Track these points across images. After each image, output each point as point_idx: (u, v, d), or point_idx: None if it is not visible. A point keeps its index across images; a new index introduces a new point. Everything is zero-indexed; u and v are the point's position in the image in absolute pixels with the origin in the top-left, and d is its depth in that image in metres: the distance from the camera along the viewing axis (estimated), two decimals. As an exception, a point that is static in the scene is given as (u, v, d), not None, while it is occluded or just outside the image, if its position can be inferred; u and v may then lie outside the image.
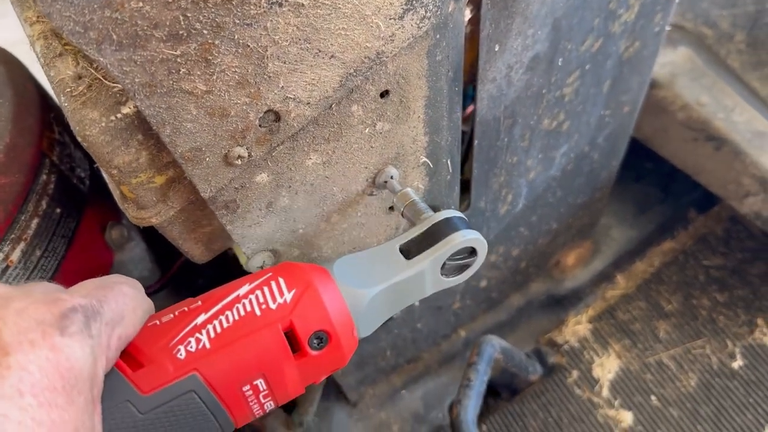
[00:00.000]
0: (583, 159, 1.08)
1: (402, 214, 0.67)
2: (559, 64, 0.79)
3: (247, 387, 0.50)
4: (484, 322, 1.38)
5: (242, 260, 0.69)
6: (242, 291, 0.53)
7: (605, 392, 1.31)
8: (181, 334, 0.49)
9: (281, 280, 0.53)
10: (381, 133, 0.65)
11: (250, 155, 0.56)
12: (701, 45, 1.24)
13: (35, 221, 0.79)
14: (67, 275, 0.85)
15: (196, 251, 0.68)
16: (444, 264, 0.61)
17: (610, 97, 0.97)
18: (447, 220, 0.62)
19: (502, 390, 1.42)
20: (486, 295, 1.30)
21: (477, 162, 0.81)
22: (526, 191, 0.98)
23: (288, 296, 0.52)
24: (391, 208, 0.75)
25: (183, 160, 0.53)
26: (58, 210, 0.83)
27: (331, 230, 0.72)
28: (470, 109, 0.78)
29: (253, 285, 0.53)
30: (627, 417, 1.27)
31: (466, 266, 0.64)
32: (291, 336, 0.51)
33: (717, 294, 1.38)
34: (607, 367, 1.33)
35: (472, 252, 0.63)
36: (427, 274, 0.60)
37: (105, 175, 0.61)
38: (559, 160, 1.00)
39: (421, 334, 1.24)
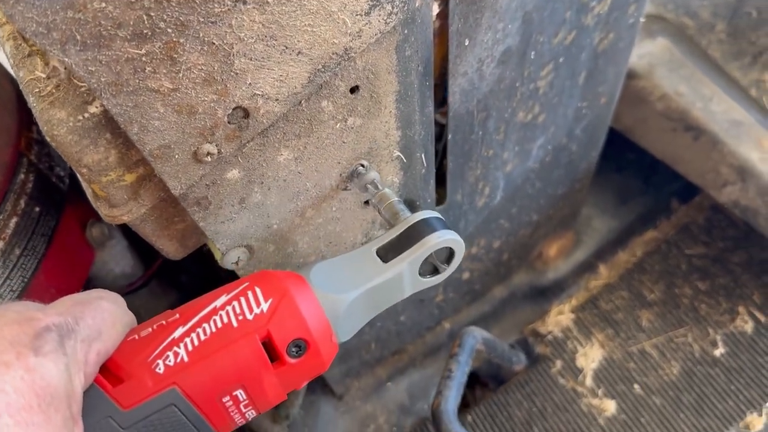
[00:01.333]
0: (562, 151, 1.09)
1: (380, 214, 0.67)
2: (532, 57, 0.79)
3: (227, 398, 0.51)
4: (468, 314, 1.39)
5: (217, 256, 0.69)
6: (219, 302, 0.53)
7: (589, 381, 1.32)
8: (159, 348, 0.49)
9: (258, 290, 0.54)
10: (353, 128, 0.65)
11: (219, 152, 0.56)
12: (681, 35, 1.25)
13: (14, 220, 0.79)
14: (47, 274, 0.85)
15: (170, 248, 0.68)
16: (422, 265, 0.60)
17: (586, 89, 0.98)
18: (423, 221, 0.61)
19: (489, 381, 1.44)
20: (469, 287, 1.31)
21: (452, 155, 0.81)
22: (503, 183, 0.99)
23: (264, 306, 0.52)
24: (367, 203, 0.76)
25: (152, 158, 0.53)
26: (37, 209, 0.83)
27: (306, 225, 0.72)
28: (446, 107, 0.79)
29: (230, 295, 0.53)
30: (610, 406, 1.28)
31: (443, 266, 0.64)
32: (269, 345, 0.52)
33: (699, 282, 1.40)
34: (590, 357, 1.35)
35: (450, 251, 0.63)
36: (405, 276, 0.60)
37: (77, 174, 0.61)
38: (537, 152, 1.01)
39: (405, 327, 1.25)
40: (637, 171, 1.52)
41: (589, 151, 1.17)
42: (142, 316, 0.99)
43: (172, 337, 0.50)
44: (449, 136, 0.78)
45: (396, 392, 1.36)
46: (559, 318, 1.40)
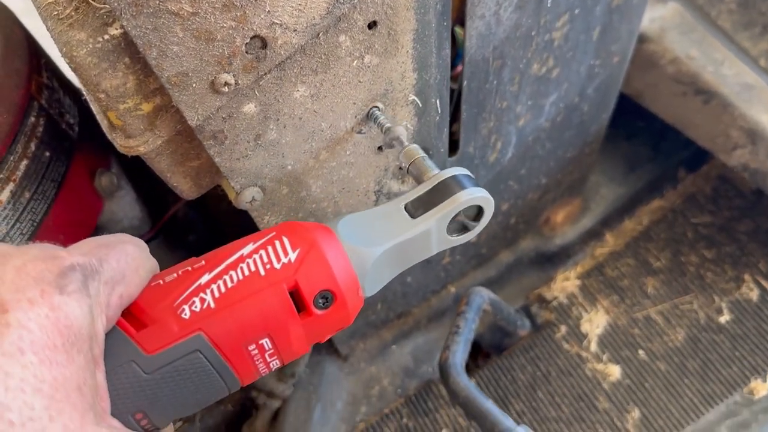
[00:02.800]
0: (573, 110, 1.09)
1: (407, 171, 0.66)
2: (548, 5, 0.78)
3: (253, 346, 0.50)
4: (474, 278, 1.39)
5: (231, 195, 0.69)
6: (246, 250, 0.52)
7: (593, 347, 1.32)
8: (185, 294, 0.49)
9: (285, 240, 0.53)
10: (369, 66, 0.65)
11: (236, 83, 0.56)
12: (691, 4, 1.24)
13: (24, 163, 0.79)
14: (57, 219, 0.85)
15: (184, 186, 0.68)
16: (450, 222, 0.59)
17: (599, 46, 0.97)
18: (453, 177, 0.60)
19: (492, 350, 1.44)
20: (476, 250, 1.31)
21: (466, 104, 0.81)
22: (515, 140, 0.98)
23: (292, 256, 0.52)
24: (380, 148, 0.76)
25: (170, 85, 0.53)
26: (47, 153, 0.83)
27: (320, 168, 0.72)
28: (459, 69, 0.78)
29: (257, 244, 0.53)
30: (615, 371, 1.29)
31: (473, 224, 0.63)
32: (296, 295, 0.51)
33: (705, 251, 1.40)
34: (595, 323, 1.35)
35: (479, 210, 0.61)
36: (432, 233, 0.59)
37: (92, 104, 0.61)
38: (549, 110, 1.00)
39: (411, 289, 1.25)
40: (646, 139, 1.52)
41: (600, 113, 1.17)
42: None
43: (198, 283, 0.50)
44: (464, 83, 0.77)
45: (400, 355, 1.36)
46: (565, 284, 1.40)
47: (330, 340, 1.27)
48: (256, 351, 0.51)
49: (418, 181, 0.64)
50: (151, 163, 0.64)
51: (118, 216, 0.98)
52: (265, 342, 0.51)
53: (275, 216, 0.74)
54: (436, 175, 0.62)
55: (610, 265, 1.42)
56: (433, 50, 0.68)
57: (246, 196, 0.68)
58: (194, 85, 0.54)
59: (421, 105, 0.73)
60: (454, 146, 0.88)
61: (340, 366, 1.32)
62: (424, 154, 0.66)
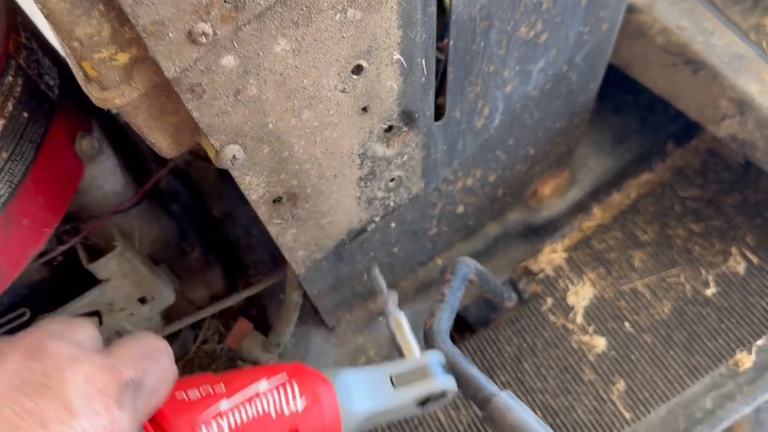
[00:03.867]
0: (561, 79, 1.08)
1: (394, 338, 0.87)
2: (536, -36, 0.77)
3: None
4: (461, 250, 1.38)
5: (210, 153, 0.68)
6: (261, 388, 0.64)
7: (579, 319, 1.32)
8: (205, 414, 0.58)
9: (295, 386, 0.66)
10: (352, 21, 0.63)
11: (215, 33, 0.55)
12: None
13: (1, 122, 0.77)
14: (35, 182, 0.84)
15: (163, 143, 0.67)
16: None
17: (588, 12, 0.96)
18: (431, 364, 0.81)
19: (478, 326, 1.44)
20: (463, 222, 1.30)
21: (452, 66, 0.80)
22: (502, 106, 0.97)
23: (299, 404, 0.65)
24: (365, 109, 0.74)
25: (145, 34, 0.52)
26: (25, 114, 0.81)
27: (303, 128, 0.71)
28: (446, 42, 0.77)
29: (270, 384, 0.65)
30: (600, 342, 1.29)
31: (437, 401, 0.82)
32: None
33: (692, 224, 1.39)
34: (581, 295, 1.35)
35: (443, 393, 0.81)
36: (406, 405, 0.77)
37: (68, 57, 0.59)
38: (536, 76, 0.99)
39: (398, 259, 1.25)
40: (634, 112, 1.51)
41: (588, 82, 1.16)
42: (135, 237, 0.98)
43: (218, 408, 0.60)
44: (450, 44, 0.76)
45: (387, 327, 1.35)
46: (552, 257, 1.40)
47: (316, 311, 1.26)
48: None
49: (401, 351, 0.85)
50: (128, 117, 0.63)
51: (100, 181, 0.97)
52: None
53: (256, 176, 0.73)
54: (419, 357, 0.83)
55: (597, 238, 1.41)
56: (418, 6, 0.67)
57: (226, 155, 0.67)
58: (171, 34, 0.53)
59: (406, 65, 0.72)
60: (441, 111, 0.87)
61: (326, 337, 1.31)
62: (409, 328, 0.88)
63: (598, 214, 1.44)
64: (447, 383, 0.80)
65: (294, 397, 0.64)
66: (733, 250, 1.34)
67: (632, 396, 1.24)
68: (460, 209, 1.24)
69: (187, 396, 0.59)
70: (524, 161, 1.24)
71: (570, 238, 1.43)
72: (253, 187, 0.73)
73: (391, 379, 0.76)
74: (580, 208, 1.45)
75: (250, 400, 0.61)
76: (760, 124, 1.10)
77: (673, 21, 1.19)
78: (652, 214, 1.42)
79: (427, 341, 0.93)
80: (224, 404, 0.60)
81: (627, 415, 1.22)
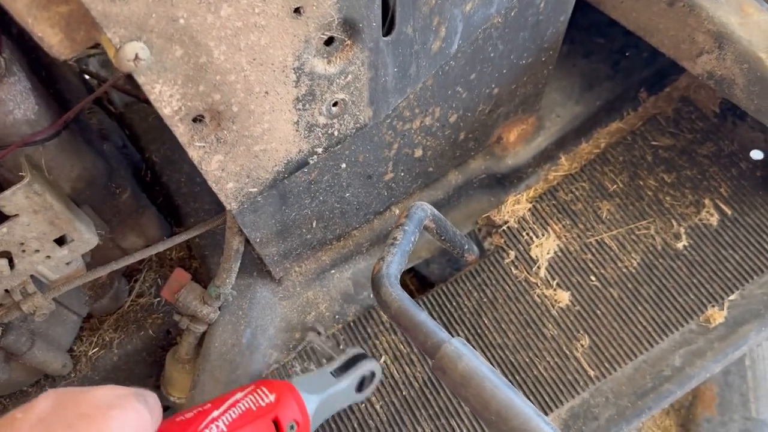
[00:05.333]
0: (528, 6, 0.98)
1: (323, 349, 1.11)
2: None
3: None
4: (420, 199, 1.29)
5: (110, 52, 0.57)
6: (239, 396, 0.82)
7: (543, 272, 1.25)
8: (204, 423, 0.74)
9: (264, 389, 0.86)
10: None
11: None
12: None
13: None
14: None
15: (53, 38, 0.56)
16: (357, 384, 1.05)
17: (557, -76, 0.86)
18: (356, 354, 1.08)
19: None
20: (422, 167, 1.21)
21: (401, -32, 0.70)
22: (461, 28, 0.88)
23: (272, 398, 0.84)
24: (297, 11, 0.64)
25: None
26: None
27: (222, 27, 0.61)
28: None
29: (245, 392, 0.84)
30: (564, 296, 1.21)
31: (369, 382, 1.08)
32: (276, 423, 0.83)
33: (664, 174, 1.32)
34: (545, 248, 1.27)
35: (373, 374, 1.08)
36: (347, 389, 1.03)
37: None
38: (500, -2, 0.89)
39: (351, 206, 1.15)
40: (606, 56, 1.42)
41: (557, 13, 1.06)
42: (50, 172, 0.86)
43: (211, 416, 0.76)
44: (397, -62, 0.66)
45: (340, 280, 1.27)
46: (516, 208, 1.32)
47: (261, 262, 1.17)
48: None
49: (332, 355, 1.09)
50: (7, 2, 0.52)
51: (9, 106, 0.85)
52: None
53: (169, 85, 0.62)
54: (348, 351, 1.08)
55: (564, 189, 1.33)
56: None
57: (128, 53, 0.57)
58: None
59: (343, -43, 0.62)
60: (389, 24, 0.77)
61: (273, 290, 1.22)
62: (326, 345, 1.12)
63: (565, 164, 1.36)
64: (371, 364, 1.06)
65: (266, 395, 0.84)
66: (707, 201, 1.27)
67: (597, 353, 1.17)
68: (419, 152, 1.15)
69: (184, 416, 0.75)
70: (488, 101, 1.15)
71: (535, 189, 1.35)
72: (165, 99, 0.63)
73: (331, 373, 1.03)
74: (547, 157, 1.36)
75: (233, 405, 0.79)
76: (739, 59, 1.02)
77: (649, -50, 1.10)
78: (622, 164, 1.35)
79: (374, 286, 0.84)
80: (215, 413, 0.76)
81: (591, 373, 1.15)
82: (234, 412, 0.78)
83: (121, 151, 1.23)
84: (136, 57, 0.57)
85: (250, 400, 0.82)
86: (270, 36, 0.65)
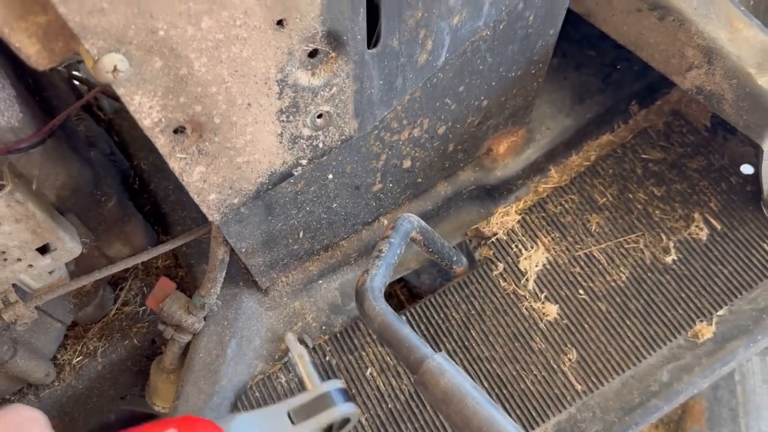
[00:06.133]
0: (517, 19, 0.98)
1: (294, 372, 0.93)
2: None
3: None
4: (409, 210, 1.29)
5: (89, 63, 0.57)
6: None
7: (531, 285, 1.24)
8: None
9: None
10: None
11: None
12: None
13: None
14: None
15: (30, 48, 0.56)
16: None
17: (546, -62, 0.86)
18: (330, 393, 0.81)
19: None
20: (411, 179, 1.20)
21: (386, -18, 0.69)
22: (449, 41, 0.87)
23: None
24: (281, 23, 0.64)
25: None
26: None
27: (203, 39, 0.60)
28: None
29: None
30: (552, 310, 1.21)
31: (342, 428, 0.83)
32: None
33: (654, 188, 1.32)
34: (534, 260, 1.26)
35: (347, 420, 0.82)
36: None
37: None
38: (488, 10, 0.89)
39: (339, 217, 1.15)
40: (597, 69, 1.42)
41: (547, 26, 1.06)
42: (33, 180, 0.86)
43: None
44: (382, -49, 0.66)
45: (327, 290, 1.26)
46: (505, 219, 1.31)
47: (248, 272, 1.16)
48: None
49: (301, 385, 0.85)
50: (-21, 11, 0.52)
51: (-11, 112, 0.85)
52: None
53: (148, 96, 0.62)
54: (317, 387, 0.82)
55: (553, 201, 1.33)
56: None
57: (106, 64, 0.56)
58: None
59: (327, -31, 0.62)
60: (375, 38, 0.76)
61: (259, 300, 1.21)
62: (310, 360, 0.87)
63: (555, 176, 1.36)
64: (346, 409, 0.80)
65: None
66: (696, 215, 1.27)
67: (584, 367, 1.16)
68: (407, 163, 1.15)
69: None
70: (477, 113, 1.15)
71: (524, 201, 1.34)
72: (145, 110, 0.63)
73: (289, 416, 0.78)
74: (537, 169, 1.36)
75: None
76: (728, 74, 1.02)
77: (640, -36, 1.10)
78: (612, 177, 1.34)
79: (358, 299, 0.84)
80: None
81: (578, 387, 1.14)
82: None
83: (108, 158, 1.22)
84: (115, 69, 0.57)
85: None
86: (252, 48, 0.64)
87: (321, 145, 0.83)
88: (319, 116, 0.78)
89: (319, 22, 0.67)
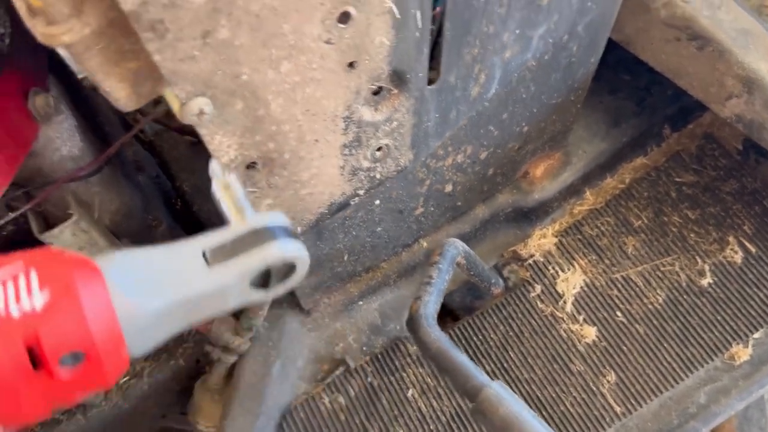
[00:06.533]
0: (562, 49, 1.00)
1: (217, 205, 0.59)
2: None
3: None
4: (448, 233, 1.31)
5: (175, 106, 0.59)
6: None
7: (569, 307, 1.26)
8: None
9: (33, 275, 0.43)
10: (340, -42, 0.56)
11: (180, -43, 0.46)
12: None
13: (-60, 70, 0.68)
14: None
15: (120, 92, 0.58)
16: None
17: (594, -26, 0.88)
18: (266, 228, 0.54)
19: (461, 313, 1.37)
20: (451, 202, 1.22)
21: (450, 22, 0.72)
22: (500, 74, 0.90)
23: (38, 301, 0.42)
24: (351, 65, 0.67)
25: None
26: (-30, 63, 0.72)
27: (281, 82, 0.63)
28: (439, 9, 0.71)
29: None
30: (591, 332, 1.22)
31: (283, 277, 0.56)
32: (35, 351, 0.42)
33: (688, 211, 1.33)
34: (571, 282, 1.28)
35: (291, 268, 0.55)
36: (231, 287, 0.51)
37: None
38: (536, 44, 0.91)
39: (381, 240, 1.17)
40: (631, 93, 1.44)
41: (588, 55, 1.09)
42: (94, 207, 0.89)
43: None
44: (449, -5, 0.68)
45: (367, 312, 1.28)
46: (541, 242, 1.33)
47: (292, 293, 1.18)
48: None
49: (227, 220, 0.57)
50: (80, 60, 0.54)
51: (56, 144, 0.88)
52: None
53: (228, 136, 0.64)
54: (247, 220, 0.55)
55: (589, 224, 1.35)
56: (415, -53, 0.59)
57: (192, 108, 0.59)
58: (127, -45, 0.45)
59: (399, 16, 0.64)
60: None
61: (302, 321, 1.23)
62: (241, 190, 0.60)
63: (590, 199, 1.38)
64: (290, 248, 0.53)
65: (29, 291, 0.42)
66: (731, 238, 1.28)
67: (623, 389, 1.18)
68: (449, 188, 1.17)
69: None
70: (517, 139, 1.17)
71: (561, 223, 1.36)
72: (224, 149, 0.65)
73: (204, 256, 0.52)
74: (572, 191, 1.38)
75: None
76: (769, 104, 1.04)
77: (678, -6, 1.12)
78: (647, 200, 1.36)
79: (412, 326, 0.86)
80: None
81: (617, 409, 1.16)
82: None
83: (154, 181, 1.25)
84: (201, 111, 0.59)
85: None
86: (324, 89, 0.67)
87: (378, 176, 0.85)
88: (379, 149, 0.81)
89: (386, 62, 0.69)
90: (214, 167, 0.63)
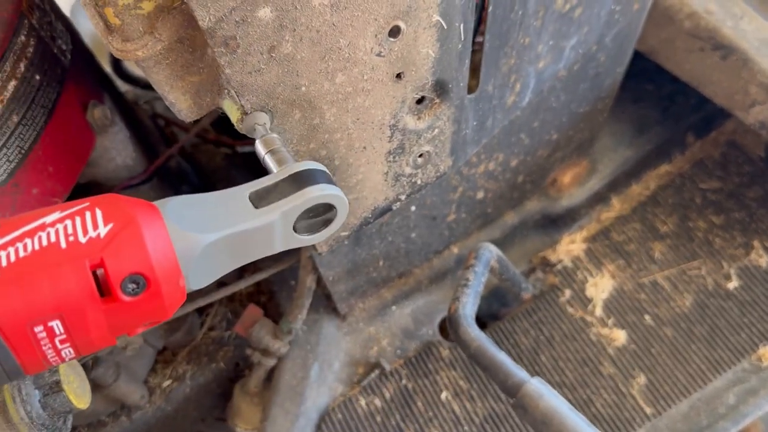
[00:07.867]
0: (590, 60, 1.04)
1: (262, 162, 0.62)
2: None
3: (40, 328, 0.44)
4: (478, 239, 1.34)
5: (235, 117, 0.63)
6: (50, 218, 0.46)
7: (598, 311, 1.29)
8: None
9: (98, 212, 0.47)
10: (393, -23, 0.60)
11: (253, -21, 0.51)
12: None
13: (12, 83, 0.73)
14: (46, 149, 0.80)
15: (183, 104, 0.63)
16: (298, 219, 0.57)
17: (623, -12, 0.92)
18: (306, 171, 0.57)
19: (488, 319, 1.40)
20: (482, 209, 1.26)
21: (490, 35, 0.76)
22: (533, 83, 0.93)
23: (102, 230, 0.46)
24: (399, 76, 0.71)
25: (182, -24, 0.48)
26: (38, 77, 0.77)
27: (335, 93, 0.67)
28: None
29: (64, 213, 0.47)
30: (620, 335, 1.25)
31: (325, 224, 0.60)
32: (100, 276, 0.45)
33: (713, 216, 1.36)
34: (600, 287, 1.31)
35: (330, 209, 0.59)
36: (276, 228, 0.55)
37: (87, 7, 0.55)
38: (568, 54, 0.95)
39: (415, 246, 1.21)
40: (655, 102, 1.47)
41: (615, 65, 1.12)
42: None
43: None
44: (490, 9, 0.72)
45: (400, 316, 1.32)
46: (570, 247, 1.36)
47: (329, 298, 1.22)
48: (44, 334, 0.45)
49: (271, 171, 0.60)
50: (149, 73, 0.59)
51: (111, 153, 0.93)
52: (56, 325, 0.45)
53: (285, 144, 0.68)
54: (288, 166, 0.58)
55: (617, 230, 1.38)
56: (461, -35, 0.63)
57: (251, 122, 0.63)
58: (207, -22, 0.49)
59: (445, 27, 0.68)
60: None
61: (338, 325, 1.27)
62: (283, 146, 0.62)
63: (617, 205, 1.41)
64: (331, 190, 0.57)
65: (95, 224, 0.46)
66: (755, 243, 1.31)
67: (653, 390, 1.20)
68: (480, 195, 1.21)
69: None
70: (547, 146, 1.21)
71: (588, 229, 1.39)
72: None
73: (251, 199, 0.56)
74: (599, 198, 1.41)
75: (31, 233, 0.45)
76: (794, 110, 1.07)
77: (702, 5, 1.15)
78: (672, 206, 1.39)
79: (452, 326, 0.90)
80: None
81: (648, 410, 1.19)
82: (27, 245, 0.45)
83: (195, 190, 1.30)
84: (255, 125, 0.63)
85: (65, 228, 0.46)
86: (374, 98, 0.71)
87: (419, 181, 0.89)
88: (420, 156, 0.85)
89: (430, 73, 0.73)
90: (257, 127, 0.64)
